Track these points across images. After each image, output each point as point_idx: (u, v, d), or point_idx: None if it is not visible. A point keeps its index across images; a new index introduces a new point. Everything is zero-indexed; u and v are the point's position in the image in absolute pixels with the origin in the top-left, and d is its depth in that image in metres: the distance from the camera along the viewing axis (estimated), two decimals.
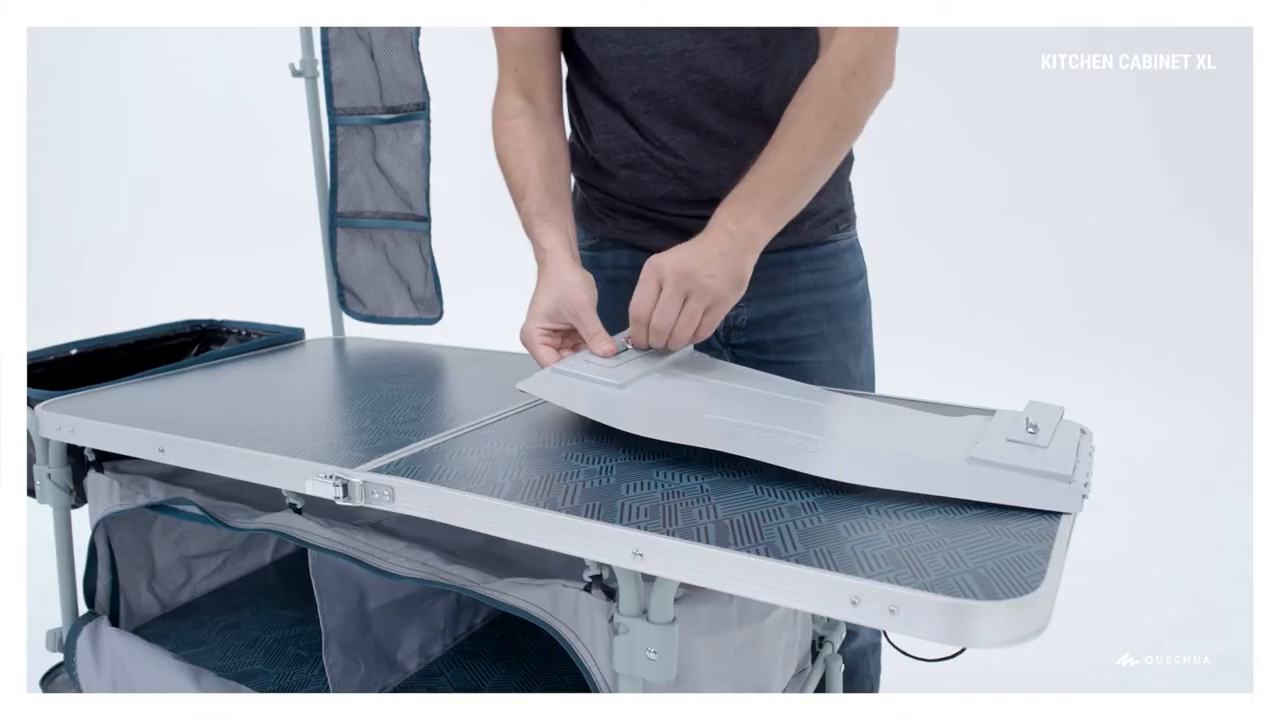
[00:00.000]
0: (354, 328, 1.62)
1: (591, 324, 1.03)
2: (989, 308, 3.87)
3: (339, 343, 1.51)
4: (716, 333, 1.20)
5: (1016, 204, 3.89)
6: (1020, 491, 0.77)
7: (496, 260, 4.06)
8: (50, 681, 1.27)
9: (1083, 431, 0.91)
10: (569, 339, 1.08)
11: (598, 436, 0.95)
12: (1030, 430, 0.87)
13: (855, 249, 1.28)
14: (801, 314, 1.14)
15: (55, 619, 1.25)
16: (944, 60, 3.64)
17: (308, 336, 1.55)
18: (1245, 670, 1.81)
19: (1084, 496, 0.77)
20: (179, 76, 4.67)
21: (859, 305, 1.28)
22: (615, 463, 0.86)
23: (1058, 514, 0.73)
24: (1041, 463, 0.81)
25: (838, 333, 1.25)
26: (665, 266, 0.96)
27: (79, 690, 1.21)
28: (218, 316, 1.59)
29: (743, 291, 1.00)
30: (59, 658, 1.24)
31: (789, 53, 1.13)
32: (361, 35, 1.45)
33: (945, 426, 0.93)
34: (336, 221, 1.55)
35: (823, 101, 1.01)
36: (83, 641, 1.21)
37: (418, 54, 1.40)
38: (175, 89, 4.70)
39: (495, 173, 1.18)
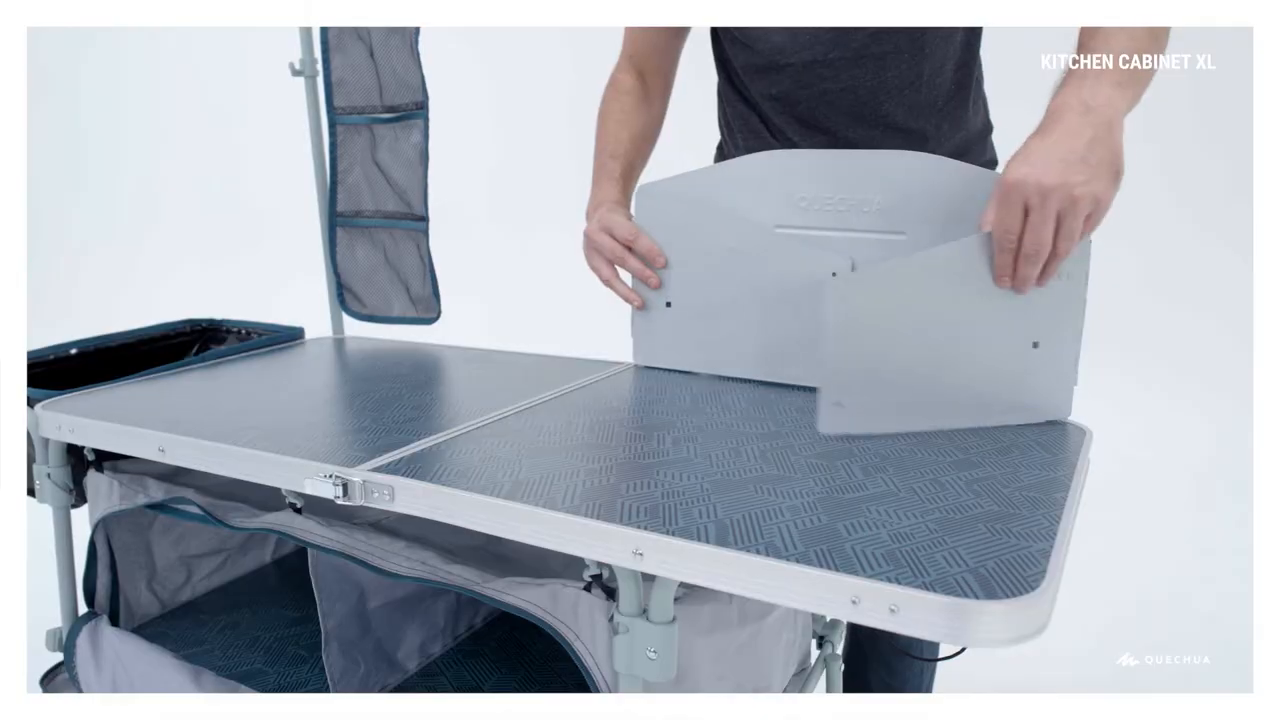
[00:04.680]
0: (353, 327, 1.62)
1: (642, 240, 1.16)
2: None
3: (339, 342, 1.51)
4: None
5: None
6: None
7: (496, 260, 4.06)
8: (50, 681, 1.27)
9: (1083, 432, 0.91)
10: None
11: (598, 435, 0.95)
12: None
13: None
14: None
15: (55, 618, 1.25)
16: None
17: (307, 336, 1.55)
18: (1245, 670, 1.81)
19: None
20: (179, 76, 4.67)
21: None
22: (615, 462, 0.86)
23: (1058, 513, 0.73)
24: None
25: None
26: (1028, 183, 0.83)
27: (79, 690, 1.21)
28: (217, 316, 1.59)
29: (1122, 177, 0.85)
30: (59, 657, 1.24)
31: (920, 63, 1.15)
32: (361, 35, 1.45)
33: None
34: (336, 221, 1.55)
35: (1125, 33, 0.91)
36: (82, 641, 1.21)
37: (417, 54, 1.40)
38: (175, 88, 4.69)
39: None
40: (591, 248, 1.17)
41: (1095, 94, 0.86)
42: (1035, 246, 0.86)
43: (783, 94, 1.20)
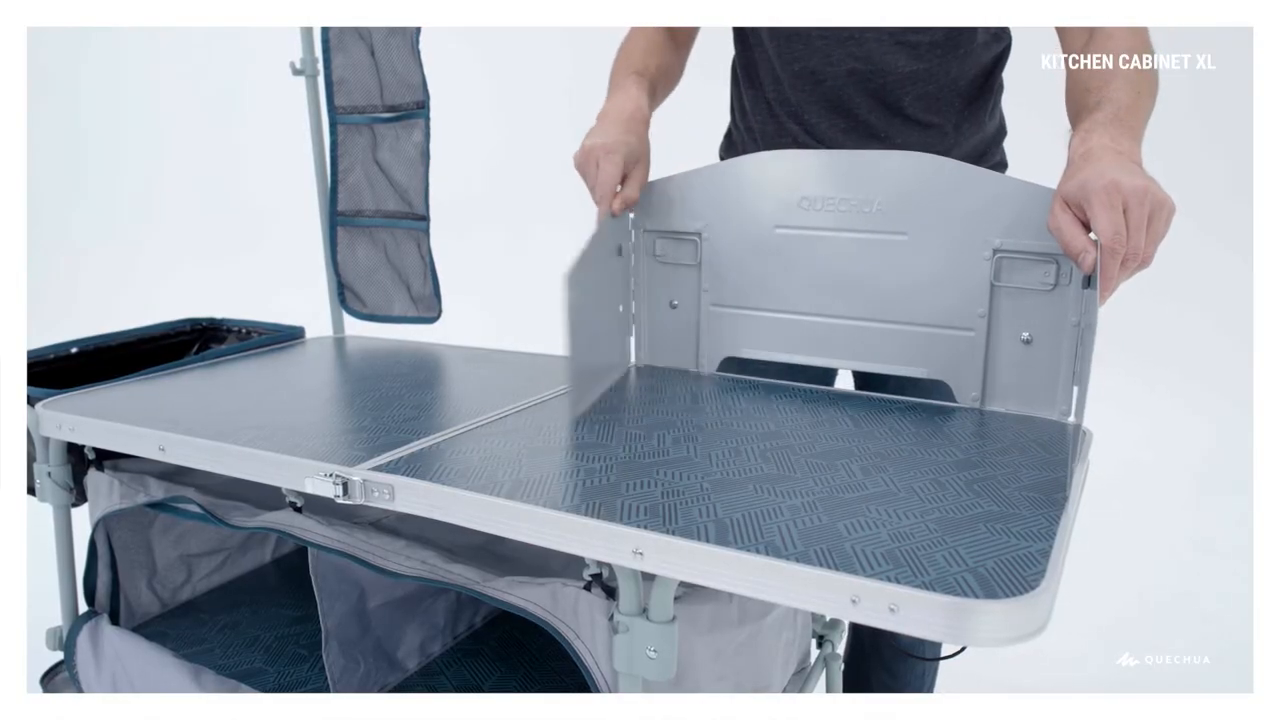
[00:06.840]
0: (354, 326, 1.62)
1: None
2: None
3: (339, 341, 1.51)
4: None
5: None
6: None
7: (496, 260, 4.06)
8: (50, 680, 1.27)
9: (1083, 432, 0.91)
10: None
11: (598, 435, 0.95)
12: None
13: None
14: None
15: (55, 617, 1.25)
16: None
17: (308, 335, 1.55)
18: (1245, 670, 1.81)
19: None
20: (179, 76, 4.67)
21: None
22: (615, 461, 0.86)
23: (1058, 513, 0.73)
24: None
25: None
26: (1123, 184, 0.82)
27: (79, 689, 1.21)
28: (218, 315, 1.59)
29: None
30: (59, 656, 1.24)
31: (951, 56, 1.15)
32: (362, 34, 1.45)
33: None
34: (337, 220, 1.55)
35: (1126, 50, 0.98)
36: (83, 640, 1.21)
37: (418, 53, 1.40)
38: (176, 88, 4.69)
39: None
40: (582, 165, 1.10)
41: (1119, 142, 0.89)
42: (1135, 248, 0.84)
43: (807, 70, 1.18)
